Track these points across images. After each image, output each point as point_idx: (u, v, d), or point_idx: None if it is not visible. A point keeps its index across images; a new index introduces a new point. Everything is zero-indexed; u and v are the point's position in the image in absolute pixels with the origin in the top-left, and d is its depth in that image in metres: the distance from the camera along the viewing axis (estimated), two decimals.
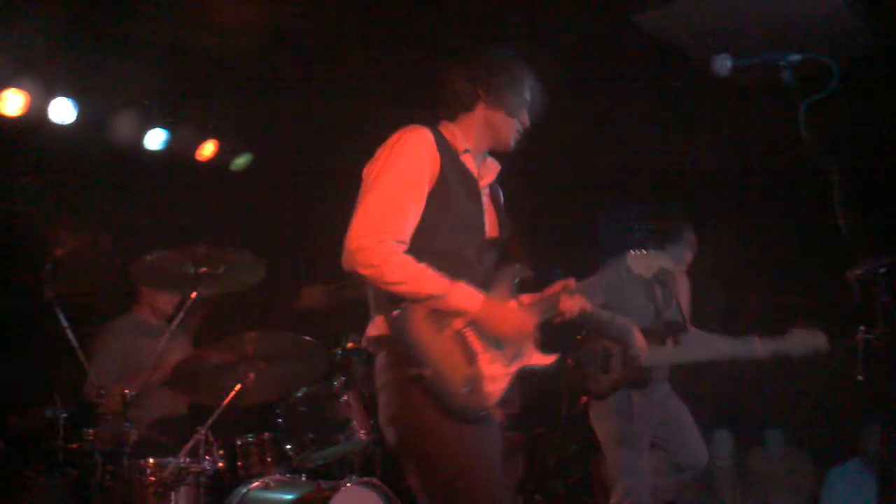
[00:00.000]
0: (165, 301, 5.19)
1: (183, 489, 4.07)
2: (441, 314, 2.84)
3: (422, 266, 2.82)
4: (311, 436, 4.50)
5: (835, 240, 2.25)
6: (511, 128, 3.16)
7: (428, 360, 2.77)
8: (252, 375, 4.29)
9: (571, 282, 3.19)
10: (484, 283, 2.98)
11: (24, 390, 4.80)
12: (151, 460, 4.08)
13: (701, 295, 5.32)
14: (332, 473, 4.84)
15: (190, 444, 4.13)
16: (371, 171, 2.94)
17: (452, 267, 2.88)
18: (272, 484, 4.28)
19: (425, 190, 2.92)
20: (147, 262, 4.22)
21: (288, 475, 4.45)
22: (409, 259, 2.82)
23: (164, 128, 6.21)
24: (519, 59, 3.21)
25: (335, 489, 4.15)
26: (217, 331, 5.32)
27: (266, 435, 4.54)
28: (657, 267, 3.41)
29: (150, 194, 6.25)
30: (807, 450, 7.07)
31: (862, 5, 4.99)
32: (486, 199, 3.17)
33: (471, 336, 2.89)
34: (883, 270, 1.95)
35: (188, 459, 4.12)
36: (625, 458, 4.84)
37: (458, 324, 2.87)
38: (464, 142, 3.11)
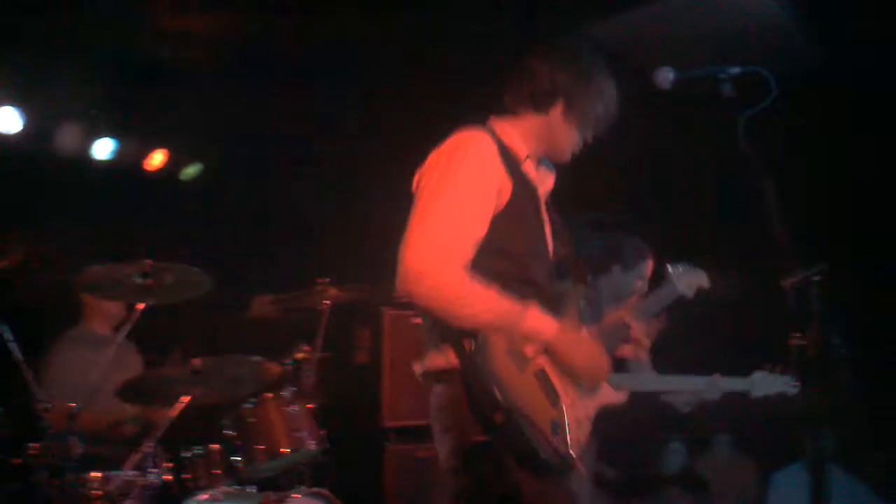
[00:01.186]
0: (113, 310, 5.13)
1: (128, 503, 4.02)
2: (520, 351, 2.52)
3: (492, 290, 2.50)
4: (259, 446, 4.47)
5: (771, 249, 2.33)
6: (574, 141, 2.84)
7: (510, 402, 2.41)
8: (200, 389, 4.25)
9: (627, 315, 2.95)
10: (552, 309, 2.67)
11: None
12: (97, 474, 4.02)
13: None
14: (280, 484, 4.81)
15: (136, 457, 4.08)
16: (428, 183, 2.64)
17: (523, 293, 2.57)
18: (220, 496, 4.23)
19: (491, 206, 2.61)
20: (92, 274, 4.18)
21: (236, 487, 4.41)
22: (479, 284, 2.50)
23: (112, 137, 6.14)
24: (603, 63, 2.88)
25: (284, 500, 4.13)
26: (165, 342, 5.28)
27: (214, 447, 4.48)
28: (697, 285, 3.22)
29: (97, 204, 6.17)
30: (752, 454, 7.17)
31: (804, 19, 5.12)
32: (543, 209, 2.89)
33: (552, 374, 2.59)
34: (816, 278, 1.99)
35: (134, 472, 4.07)
36: None
37: (540, 361, 2.56)
38: (524, 147, 2.80)
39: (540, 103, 2.78)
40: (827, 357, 1.92)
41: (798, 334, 1.98)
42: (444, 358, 2.59)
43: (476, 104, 2.87)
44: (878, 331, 5.98)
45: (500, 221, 2.61)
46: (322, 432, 4.68)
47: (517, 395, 2.44)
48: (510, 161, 2.70)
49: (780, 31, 5.09)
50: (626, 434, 3.80)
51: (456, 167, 2.59)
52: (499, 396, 2.39)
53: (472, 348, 2.45)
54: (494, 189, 2.61)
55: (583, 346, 2.66)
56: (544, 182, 2.91)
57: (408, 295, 2.49)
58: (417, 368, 2.74)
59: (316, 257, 6.10)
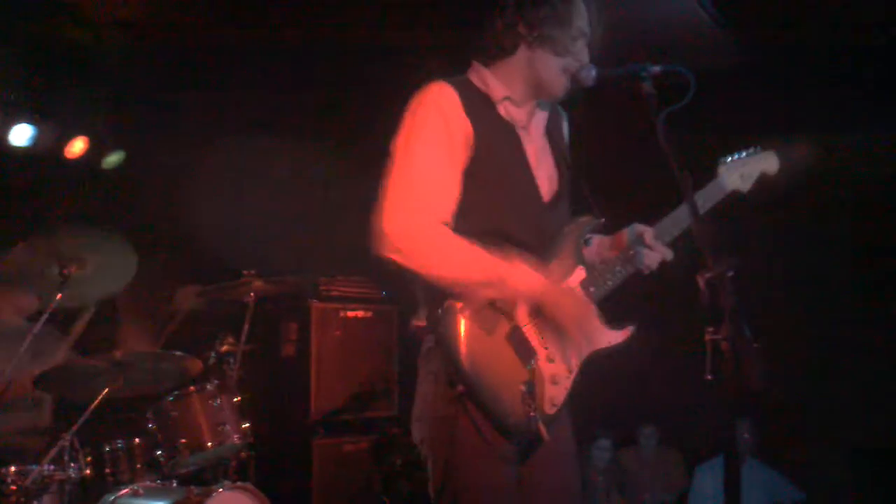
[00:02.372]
0: (24, 301, 4.99)
1: (46, 497, 3.93)
2: (494, 309, 2.45)
3: (469, 245, 2.44)
4: (182, 440, 4.41)
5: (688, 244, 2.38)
6: (558, 70, 2.68)
7: (475, 369, 2.37)
8: (121, 380, 4.18)
9: (645, 229, 2.70)
10: (546, 253, 2.61)
11: None
12: (13, 468, 3.93)
13: None
14: (204, 479, 4.76)
15: (54, 451, 3.99)
16: (396, 147, 2.57)
17: (503, 246, 2.49)
18: (141, 491, 4.17)
19: (459, 159, 2.55)
20: (6, 261, 4.07)
21: (159, 481, 4.35)
22: (451, 238, 2.45)
23: (31, 123, 5.97)
24: None
25: (207, 495, 4.07)
26: (88, 332, 5.17)
27: (136, 440, 4.43)
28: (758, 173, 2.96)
29: (14, 191, 6.00)
30: (677, 447, 7.30)
31: (724, 20, 5.24)
32: (533, 151, 2.73)
33: (529, 331, 2.50)
34: (730, 273, 2.04)
35: (52, 467, 3.98)
36: None
37: (516, 318, 2.47)
38: (500, 88, 2.69)
39: (503, 45, 2.70)
40: (739, 351, 1.96)
41: (711, 329, 2.02)
42: (422, 321, 2.56)
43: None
44: (791, 324, 6.16)
45: (469, 173, 2.56)
46: (246, 426, 4.64)
47: (483, 361, 2.39)
48: (481, 105, 2.64)
49: (700, 30, 5.19)
50: None
51: (421, 122, 2.55)
52: (462, 366, 2.36)
53: (439, 313, 2.41)
54: (459, 135, 2.55)
55: (569, 303, 2.55)
56: (534, 120, 2.78)
57: (389, 261, 2.44)
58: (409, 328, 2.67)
59: (242, 248, 6.03)
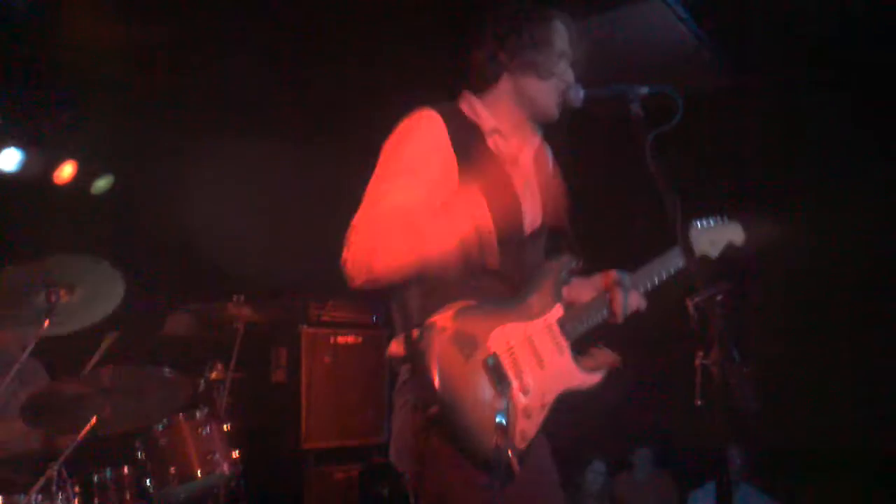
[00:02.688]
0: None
1: None
2: (470, 336, 2.39)
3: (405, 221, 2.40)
4: (171, 469, 4.36)
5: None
6: (548, 92, 2.67)
7: (449, 394, 2.31)
8: (109, 408, 4.12)
9: (622, 276, 2.69)
10: (525, 286, 2.57)
11: None
12: (0, 498, 3.87)
13: None
14: None
15: (41, 481, 3.93)
16: (375, 171, 2.55)
17: (482, 277, 2.50)
18: None
19: (439, 190, 2.50)
20: None
21: None
22: (387, 227, 2.41)
23: (19, 148, 5.95)
24: (541, 9, 2.73)
25: None
26: (74, 360, 5.12)
27: (125, 470, 4.39)
28: (726, 243, 2.99)
29: (2, 217, 5.97)
30: (671, 472, 7.25)
31: (712, 43, 5.27)
32: (520, 184, 2.69)
33: (506, 360, 2.44)
34: (719, 297, 2.01)
35: (40, 497, 3.93)
36: None
37: (490, 346, 2.42)
38: (491, 120, 2.67)
39: (486, 75, 2.69)
40: (729, 376, 1.93)
41: (701, 353, 1.99)
42: (398, 345, 2.53)
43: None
44: (785, 348, 6.14)
45: (451, 202, 2.50)
46: (236, 454, 4.59)
47: (458, 386, 2.33)
48: (469, 137, 2.60)
49: (689, 52, 5.21)
50: None
51: (400, 147, 2.52)
52: (437, 388, 2.29)
53: (416, 335, 2.37)
54: (440, 173, 2.51)
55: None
56: (523, 152, 2.74)
57: (347, 277, 2.45)
58: (386, 353, 2.63)
59: (232, 274, 6.00)
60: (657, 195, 2.25)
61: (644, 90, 2.47)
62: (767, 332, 5.95)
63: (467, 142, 2.58)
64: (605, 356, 2.68)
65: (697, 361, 1.99)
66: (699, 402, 1.97)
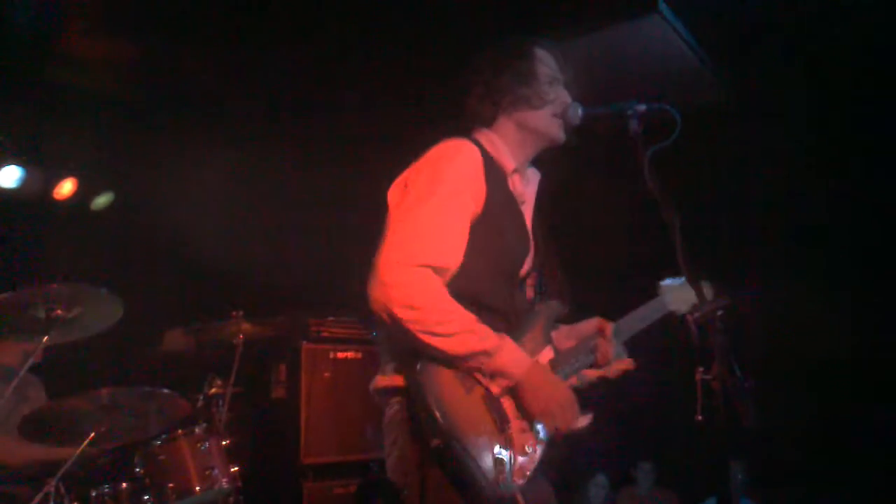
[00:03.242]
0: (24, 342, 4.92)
1: None
2: (469, 371, 2.39)
3: (471, 315, 2.37)
4: (170, 485, 4.35)
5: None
6: (547, 118, 2.69)
7: (451, 426, 2.28)
8: (107, 424, 4.12)
9: (606, 325, 2.73)
10: (517, 326, 2.58)
11: None
12: None
13: None
14: None
15: (39, 496, 3.92)
16: (407, 192, 2.50)
17: (490, 319, 2.45)
18: None
19: (471, 220, 2.49)
20: None
21: None
22: (454, 304, 2.36)
23: (19, 165, 5.96)
24: (519, 40, 2.76)
25: None
26: (73, 376, 5.11)
27: (123, 485, 4.37)
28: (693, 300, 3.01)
29: (2, 234, 5.97)
30: (672, 488, 7.24)
31: (712, 62, 5.29)
32: (529, 226, 2.73)
33: (505, 399, 2.44)
34: (720, 312, 2.02)
35: None
36: None
37: (491, 387, 2.41)
38: (510, 159, 2.68)
39: (484, 116, 2.72)
40: (730, 391, 1.94)
41: (702, 369, 2.00)
42: (391, 378, 2.50)
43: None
44: (787, 362, 6.14)
45: (473, 238, 2.49)
46: (235, 470, 4.59)
47: (460, 419, 2.30)
48: (495, 175, 2.60)
49: (688, 69, 5.23)
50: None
51: (440, 175, 2.48)
52: (439, 420, 2.27)
53: (418, 367, 2.34)
54: (472, 200, 2.50)
55: (546, 390, 2.45)
56: (527, 192, 2.77)
57: (379, 309, 2.34)
58: (373, 383, 2.61)
59: (231, 290, 6.00)
60: (656, 212, 2.26)
61: (642, 107, 2.49)
62: (769, 344, 5.95)
63: (495, 179, 2.59)
64: (620, 361, 2.74)
65: (698, 376, 1.99)
66: (700, 418, 1.97)
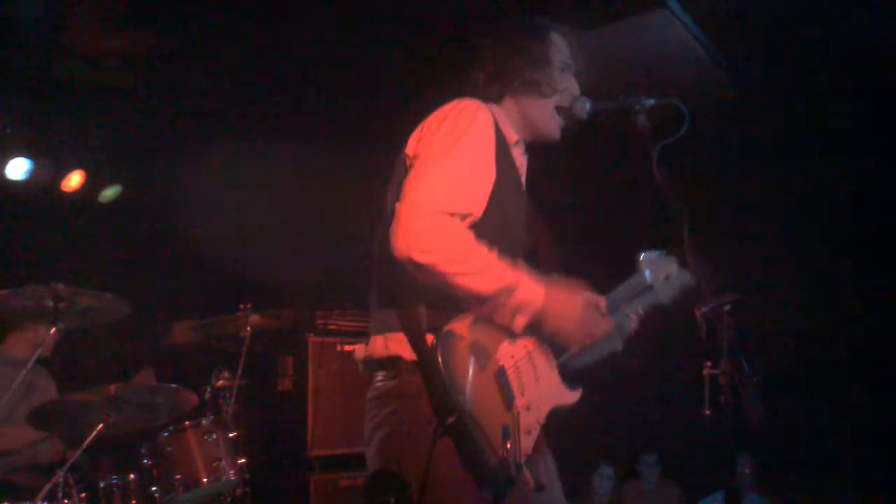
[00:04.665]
0: (42, 331, 4.94)
1: None
2: (484, 347, 2.36)
3: (491, 253, 2.33)
4: (177, 477, 4.37)
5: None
6: (550, 113, 2.68)
7: (466, 403, 2.25)
8: (115, 415, 4.14)
9: (598, 299, 2.60)
10: None
11: None
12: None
13: None
14: None
15: (48, 487, 3.95)
16: (430, 141, 2.44)
17: None
18: None
19: (492, 177, 2.45)
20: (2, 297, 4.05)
21: None
22: (478, 244, 2.32)
23: (28, 157, 5.97)
24: (537, 24, 2.72)
25: None
26: (83, 368, 5.14)
27: (131, 476, 4.40)
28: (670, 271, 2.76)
29: (11, 226, 5.99)
30: (678, 481, 7.24)
31: (722, 58, 5.28)
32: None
33: (511, 373, 2.42)
34: (727, 308, 2.02)
35: (46, 503, 3.93)
36: None
37: (499, 358, 2.40)
38: (512, 132, 2.66)
39: (491, 95, 2.67)
40: (738, 385, 1.94)
41: (709, 363, 2.00)
42: (394, 347, 2.42)
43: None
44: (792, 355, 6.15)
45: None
46: (242, 462, 4.60)
47: (474, 396, 2.27)
48: (502, 141, 2.56)
49: (696, 65, 5.22)
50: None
51: (465, 128, 2.43)
52: (457, 397, 2.23)
53: (435, 341, 2.28)
54: (493, 161, 2.47)
55: (571, 304, 2.42)
56: (524, 170, 2.75)
57: (405, 253, 2.27)
58: (359, 353, 2.55)
59: (239, 283, 6.02)
60: (663, 205, 2.27)
61: (650, 102, 2.49)
62: (774, 338, 5.95)
63: (502, 144, 2.56)
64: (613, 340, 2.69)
65: (706, 371, 2.00)
66: (707, 412, 1.98)
